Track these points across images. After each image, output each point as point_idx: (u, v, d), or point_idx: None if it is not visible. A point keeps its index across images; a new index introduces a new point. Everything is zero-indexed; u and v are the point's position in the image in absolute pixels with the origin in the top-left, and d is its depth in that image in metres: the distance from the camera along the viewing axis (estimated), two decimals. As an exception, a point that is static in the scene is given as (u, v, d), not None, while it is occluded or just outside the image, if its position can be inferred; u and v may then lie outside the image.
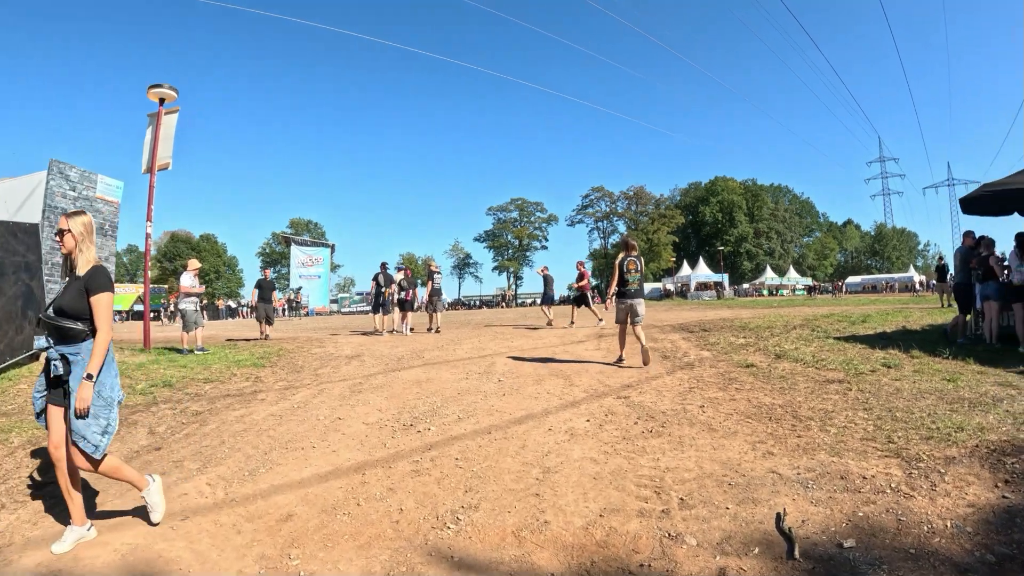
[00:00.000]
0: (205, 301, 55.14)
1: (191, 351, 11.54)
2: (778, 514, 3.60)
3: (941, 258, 25.43)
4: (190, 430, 6.27)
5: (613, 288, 9.19)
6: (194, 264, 12.71)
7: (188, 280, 12.23)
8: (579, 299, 17.25)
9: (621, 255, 9.12)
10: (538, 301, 21.31)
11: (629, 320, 9.03)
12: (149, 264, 12.79)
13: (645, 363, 8.80)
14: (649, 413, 6.15)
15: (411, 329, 16.75)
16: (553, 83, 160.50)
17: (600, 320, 16.85)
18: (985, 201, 10.00)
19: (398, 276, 17.01)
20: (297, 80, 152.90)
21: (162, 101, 12.11)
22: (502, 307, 65.92)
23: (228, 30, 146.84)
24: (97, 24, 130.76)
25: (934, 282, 29.37)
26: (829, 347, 9.82)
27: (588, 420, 6.01)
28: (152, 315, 46.28)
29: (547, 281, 18.98)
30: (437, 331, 16.49)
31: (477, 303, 75.92)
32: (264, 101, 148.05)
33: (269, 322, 16.03)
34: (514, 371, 9.07)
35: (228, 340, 15.19)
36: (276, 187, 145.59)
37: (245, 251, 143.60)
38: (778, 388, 6.96)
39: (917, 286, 67.12)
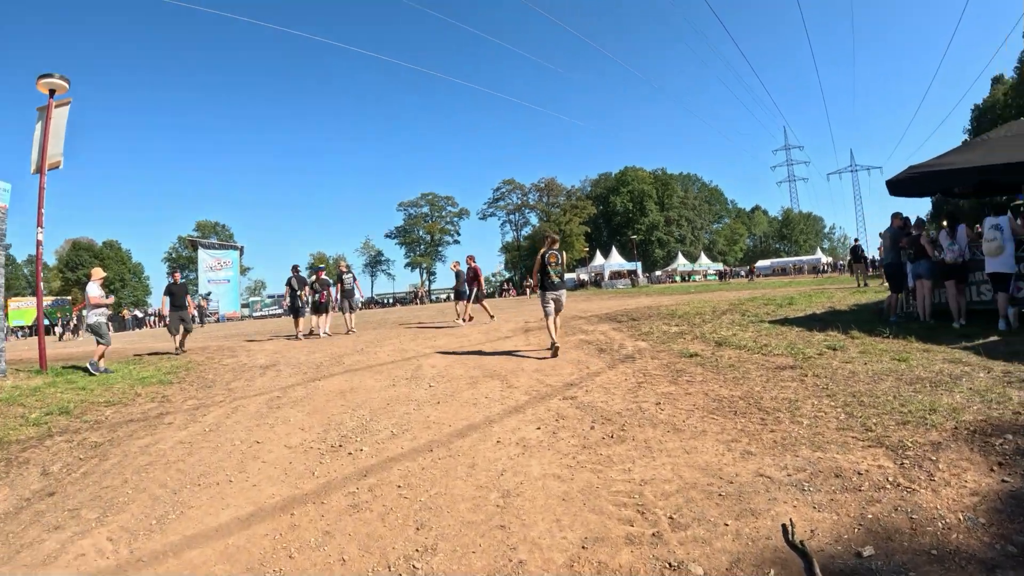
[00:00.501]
0: (110, 312, 51.58)
1: (107, 370, 10.56)
2: (784, 527, 3.23)
3: (856, 240, 26.30)
4: (89, 467, 5.60)
5: (536, 280, 9.68)
6: (98, 273, 11.50)
7: (95, 290, 11.10)
8: (458, 295, 17.37)
9: (543, 249, 9.58)
10: (451, 297, 20.92)
11: (555, 310, 9.59)
12: (44, 274, 11.37)
13: (553, 355, 9.32)
14: (603, 415, 5.84)
15: (328, 332, 16.31)
16: (460, 73, 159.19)
17: (492, 317, 17.20)
18: (908, 183, 10.16)
19: (311, 278, 16.60)
20: (196, 73, 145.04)
21: (52, 93, 10.98)
22: (416, 304, 64.87)
23: (122, 14, 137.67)
24: None
25: (843, 263, 30.51)
26: (767, 332, 9.84)
27: (539, 428, 5.61)
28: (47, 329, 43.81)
29: (459, 277, 18.65)
30: (351, 332, 16.31)
31: (391, 301, 74.53)
32: (162, 96, 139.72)
33: (187, 330, 13.74)
34: (444, 374, 8.75)
35: (136, 355, 13.79)
36: (180, 188, 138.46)
37: (151, 257, 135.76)
38: (731, 378, 6.81)
39: (824, 267, 70.51)
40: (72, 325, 41.66)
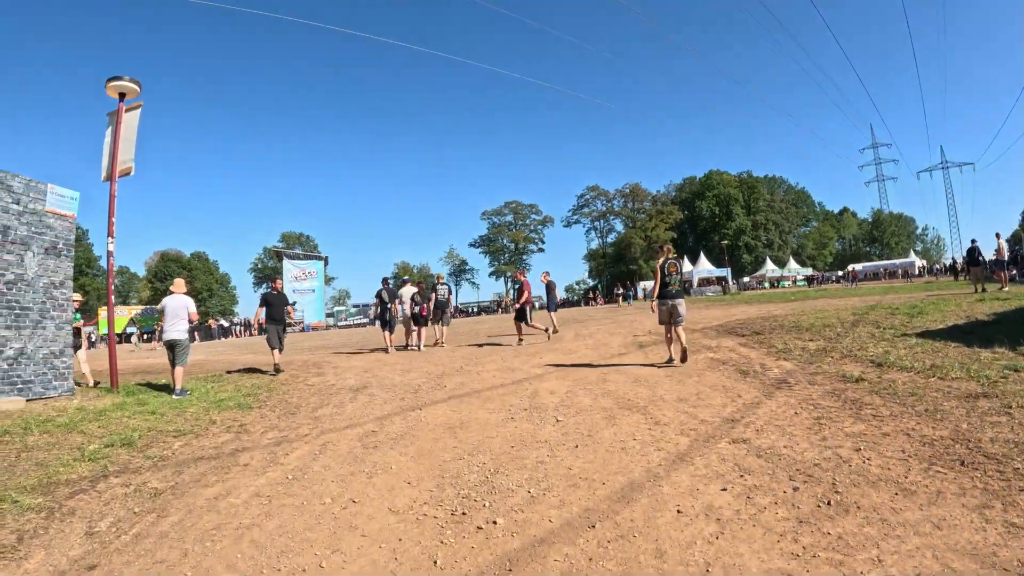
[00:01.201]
0: (195, 323, 53.10)
1: (183, 391, 9.65)
2: None
3: (973, 241, 23.51)
4: (143, 526, 4.44)
5: (655, 290, 9.54)
6: (180, 285, 10.57)
7: (192, 304, 10.41)
8: (519, 314, 15.78)
9: (661, 259, 9.50)
10: (536, 307, 20.00)
11: (671, 320, 9.34)
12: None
13: (683, 360, 9.20)
14: (799, 468, 4.42)
15: (423, 347, 15.64)
16: (542, 77, 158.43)
17: (550, 332, 15.90)
18: None
19: (409, 290, 16.02)
20: (282, 89, 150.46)
21: (122, 96, 10.34)
22: (500, 313, 64.06)
23: (209, 29, 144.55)
24: (51, 16, 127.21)
25: (939, 266, 27.33)
26: (921, 348, 8.57)
27: (724, 488, 4.15)
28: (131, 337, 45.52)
29: (549, 288, 18.03)
30: (442, 345, 16.17)
31: (475, 310, 74.28)
32: (250, 112, 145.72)
33: (279, 348, 12.26)
34: (568, 403, 7.27)
35: (228, 372, 12.63)
36: (266, 201, 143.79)
37: (237, 268, 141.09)
38: (923, 412, 5.47)
39: (919, 270, 66.31)
40: (157, 334, 42.94)
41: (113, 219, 10.28)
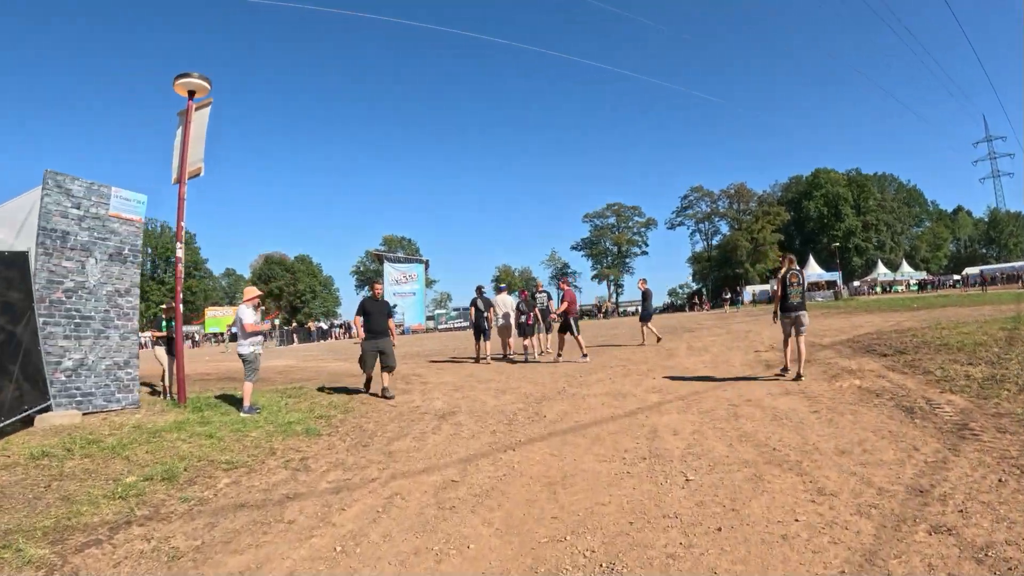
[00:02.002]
0: (293, 324, 54.29)
1: (252, 408, 8.72)
2: None
3: None
4: None
5: (777, 301, 9.57)
6: (251, 292, 9.49)
7: (249, 315, 9.07)
8: (563, 325, 14.44)
9: (783, 269, 9.52)
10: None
11: (794, 332, 9.27)
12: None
13: (798, 376, 8.88)
14: None
15: (537, 357, 14.94)
16: (643, 72, 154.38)
17: (585, 355, 13.76)
18: None
19: (506, 299, 15.59)
20: (386, 92, 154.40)
21: (192, 94, 9.68)
22: (601, 318, 62.93)
23: (312, 32, 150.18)
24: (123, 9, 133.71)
25: None
26: None
27: None
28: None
29: (646, 296, 17.49)
30: (545, 352, 15.67)
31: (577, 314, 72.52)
32: (349, 113, 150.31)
33: (388, 367, 9.93)
34: (696, 449, 5.73)
35: (320, 389, 10.94)
36: (369, 204, 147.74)
37: (340, 270, 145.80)
38: None
39: None
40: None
41: (183, 223, 9.60)
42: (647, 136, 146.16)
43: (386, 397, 9.52)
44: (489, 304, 15.21)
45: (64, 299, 8.52)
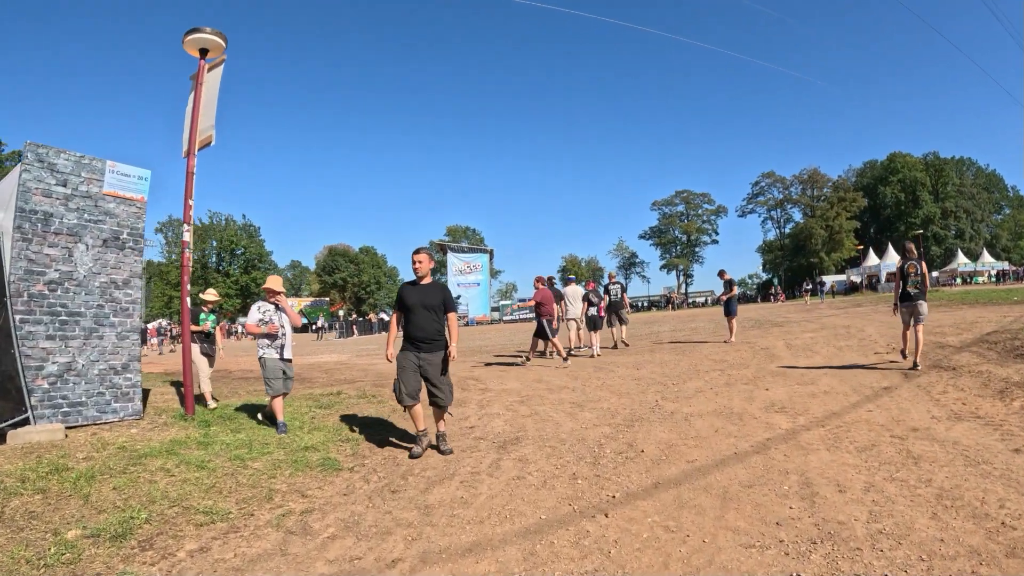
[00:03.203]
0: (354, 316, 53.56)
1: (283, 425, 7.10)
2: None
3: None
4: None
5: (897, 293, 9.71)
6: (273, 282, 7.51)
7: (252, 314, 7.39)
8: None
9: (901, 260, 9.86)
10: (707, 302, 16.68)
11: (912, 322, 9.38)
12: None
13: (914, 365, 8.85)
14: None
15: (599, 352, 13.87)
16: (706, 49, 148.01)
17: (565, 360, 12.33)
18: None
19: (576, 290, 14.53)
20: (450, 81, 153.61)
21: (204, 53, 8.25)
22: (670, 309, 60.97)
23: (379, 23, 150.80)
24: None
25: None
26: None
27: None
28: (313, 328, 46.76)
29: (729, 287, 15.82)
30: (623, 344, 15.46)
31: (645, 304, 71.49)
32: (411, 102, 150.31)
33: (440, 402, 6.06)
34: (887, 523, 3.71)
35: (361, 396, 9.29)
36: (433, 194, 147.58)
37: (405, 261, 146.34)
38: None
39: None
40: (325, 325, 43.85)
41: (191, 201, 8.08)
42: (716, 119, 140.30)
43: (441, 451, 5.96)
44: (559, 296, 14.25)
45: (47, 292, 7.15)
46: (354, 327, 44.76)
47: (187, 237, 8.05)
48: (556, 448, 5.73)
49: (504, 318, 61.40)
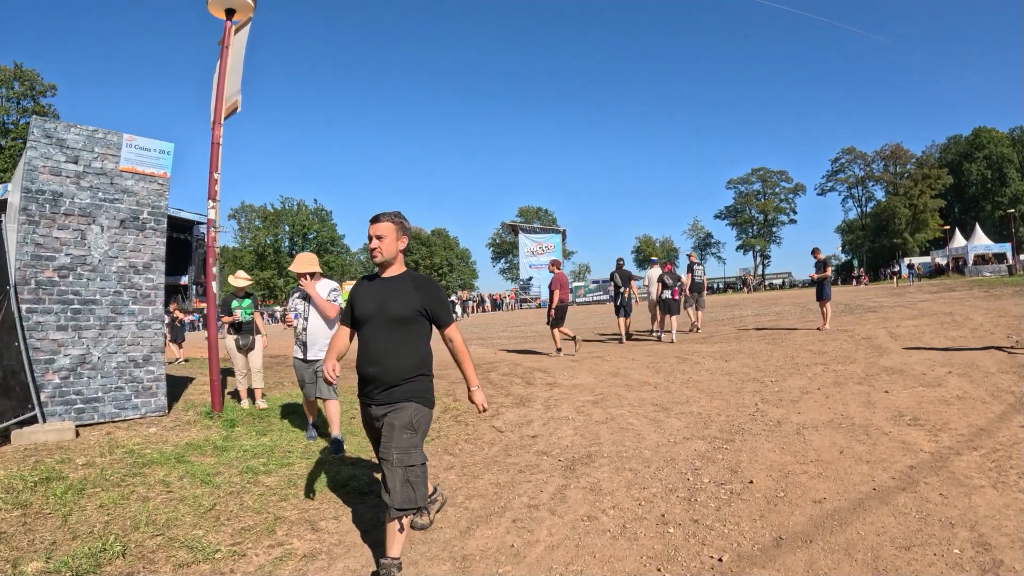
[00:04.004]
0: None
1: (339, 443, 5.67)
2: None
3: None
4: None
5: None
6: (299, 262, 6.03)
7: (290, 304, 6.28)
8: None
9: None
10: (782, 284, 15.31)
11: None
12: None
13: None
14: None
15: (674, 339, 13.04)
16: (783, 12, 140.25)
17: (558, 349, 11.89)
18: None
19: (655, 272, 14.14)
20: (520, 60, 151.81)
21: (230, 14, 7.51)
22: (745, 292, 57.89)
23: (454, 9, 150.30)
24: None
25: None
26: None
27: None
28: None
29: (821, 267, 14.25)
30: (697, 329, 14.72)
31: (721, 286, 69.43)
32: (486, 84, 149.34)
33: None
34: None
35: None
36: (505, 175, 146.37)
37: (476, 243, 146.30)
38: None
39: None
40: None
41: (216, 175, 7.25)
42: (793, 92, 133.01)
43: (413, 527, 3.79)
44: (629, 279, 13.69)
45: (57, 279, 6.49)
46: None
47: (212, 215, 7.17)
48: (638, 472, 4.48)
49: (577, 300, 59.98)
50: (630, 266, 14.27)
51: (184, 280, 55.66)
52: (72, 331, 6.53)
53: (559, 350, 11.80)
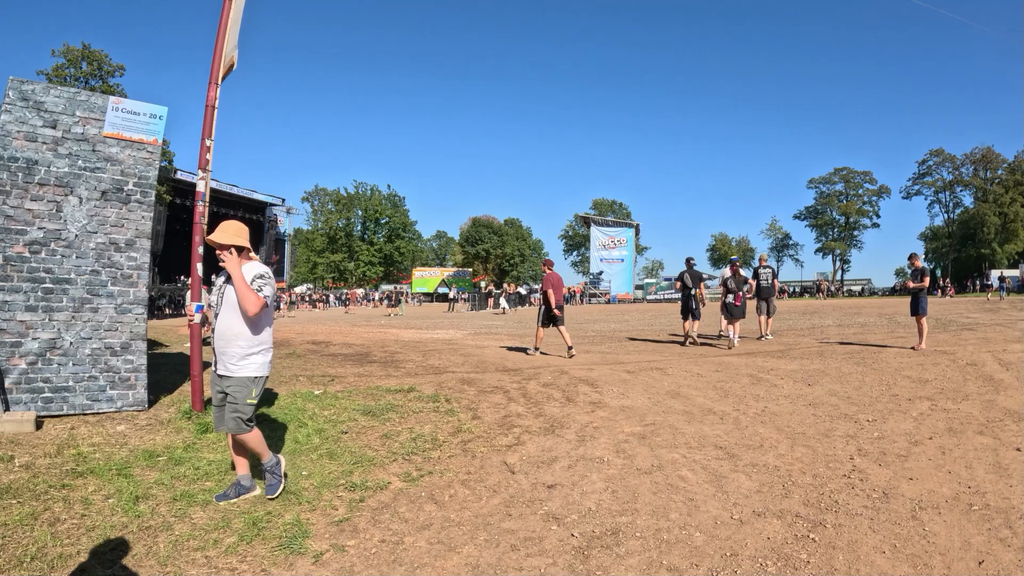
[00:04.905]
0: (490, 289, 52.16)
1: (276, 469, 4.28)
2: None
3: None
4: None
5: None
6: (219, 231, 4.14)
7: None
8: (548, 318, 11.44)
9: None
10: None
11: None
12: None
13: None
14: None
15: (736, 342, 12.37)
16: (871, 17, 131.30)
17: (531, 351, 11.60)
18: None
19: (727, 273, 13.54)
20: (601, 53, 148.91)
21: None
22: (820, 297, 55.19)
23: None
24: None
25: None
26: None
27: None
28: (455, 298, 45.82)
29: (921, 275, 11.82)
30: (765, 337, 13.54)
31: (797, 290, 66.69)
32: (563, 76, 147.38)
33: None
34: None
35: (433, 399, 7.82)
36: (580, 167, 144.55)
37: (549, 234, 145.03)
38: None
39: None
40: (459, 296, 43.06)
41: (209, 142, 6.30)
42: (879, 87, 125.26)
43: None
44: (699, 279, 13.19)
45: (28, 255, 5.74)
46: (488, 299, 42.82)
47: (201, 187, 6.20)
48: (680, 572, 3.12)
49: (648, 297, 57.87)
50: (704, 266, 13.03)
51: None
52: (43, 312, 5.75)
53: (536, 348, 11.42)
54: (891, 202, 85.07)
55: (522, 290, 52.20)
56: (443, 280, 64.85)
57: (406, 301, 46.64)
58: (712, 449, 4.95)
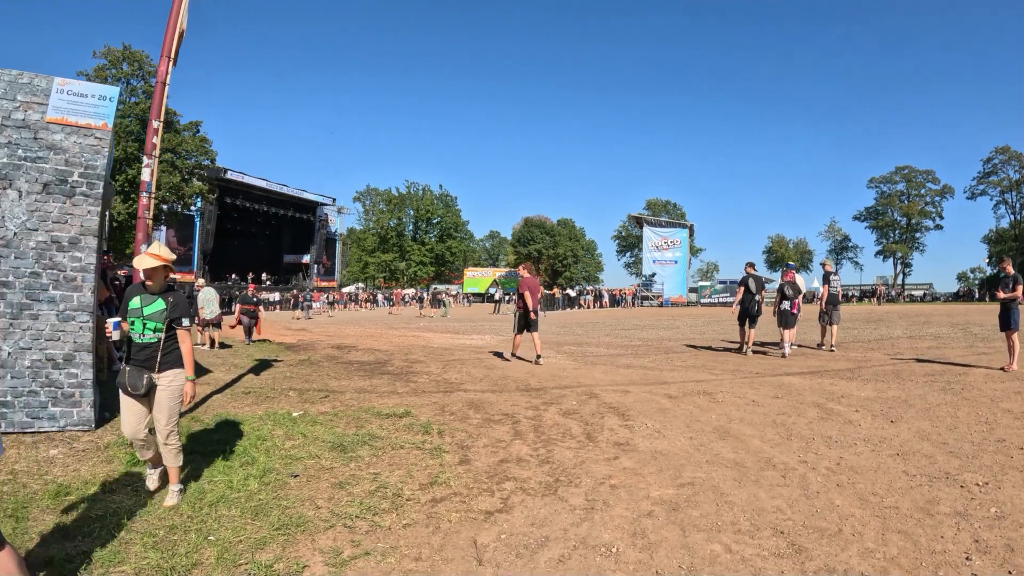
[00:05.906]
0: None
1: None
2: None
3: None
4: None
5: None
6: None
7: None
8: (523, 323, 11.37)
9: None
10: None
11: None
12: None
13: None
14: None
15: (787, 352, 12.24)
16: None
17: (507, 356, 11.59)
18: None
19: (784, 278, 13.38)
20: (654, 56, 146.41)
21: None
22: (874, 303, 52.15)
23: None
24: None
25: None
26: None
27: None
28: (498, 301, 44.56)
29: (1015, 282, 10.72)
30: (831, 349, 13.09)
31: (856, 294, 63.31)
32: (616, 77, 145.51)
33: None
34: None
35: (424, 431, 7.10)
36: (633, 167, 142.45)
37: (602, 235, 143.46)
38: None
39: None
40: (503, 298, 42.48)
41: (157, 123, 5.40)
42: (941, 81, 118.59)
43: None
44: (762, 285, 13.01)
45: None
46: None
47: (146, 176, 5.33)
48: None
49: (702, 300, 55.81)
50: (760, 269, 11.64)
51: (306, 259, 57.85)
52: (-24, 319, 4.95)
53: (513, 354, 11.61)
54: (954, 202, 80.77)
55: (572, 292, 50.96)
56: (495, 280, 64.23)
57: (454, 301, 45.84)
58: (770, 536, 3.58)
